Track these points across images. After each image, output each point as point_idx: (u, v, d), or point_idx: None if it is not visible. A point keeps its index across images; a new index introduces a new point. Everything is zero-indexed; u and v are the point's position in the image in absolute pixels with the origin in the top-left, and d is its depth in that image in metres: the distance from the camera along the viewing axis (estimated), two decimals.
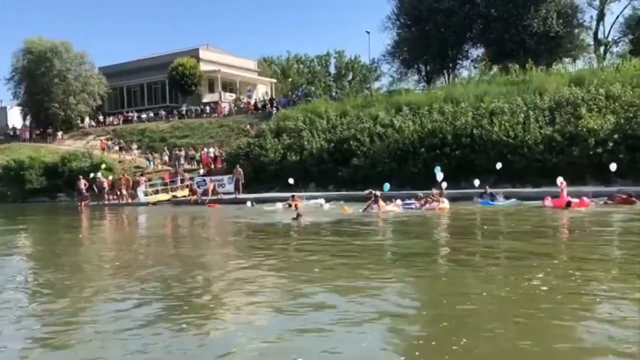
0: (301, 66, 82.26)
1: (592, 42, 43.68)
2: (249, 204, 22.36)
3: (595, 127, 20.54)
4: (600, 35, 44.31)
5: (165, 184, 28.50)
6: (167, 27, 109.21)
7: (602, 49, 43.90)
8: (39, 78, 42.83)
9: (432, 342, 4.50)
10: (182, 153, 33.82)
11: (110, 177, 28.77)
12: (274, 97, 50.20)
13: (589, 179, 20.61)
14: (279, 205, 19.99)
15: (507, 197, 18.77)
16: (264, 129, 30.69)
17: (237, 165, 27.02)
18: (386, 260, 8.74)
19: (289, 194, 22.28)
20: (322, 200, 21.07)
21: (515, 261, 8.00)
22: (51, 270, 8.64)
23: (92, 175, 28.24)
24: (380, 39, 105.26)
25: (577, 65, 35.71)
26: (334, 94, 35.25)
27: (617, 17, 42.91)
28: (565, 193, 16.39)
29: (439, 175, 20.27)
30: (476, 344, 4.39)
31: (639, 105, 20.68)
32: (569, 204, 15.01)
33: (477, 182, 20.21)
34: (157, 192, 28.01)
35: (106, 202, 27.64)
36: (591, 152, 20.25)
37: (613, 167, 19.12)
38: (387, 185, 19.83)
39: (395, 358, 4.15)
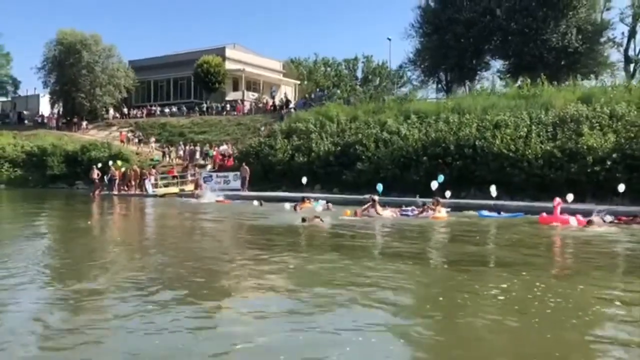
0: (328, 69, 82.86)
1: (622, 59, 43.28)
2: (256, 202, 22.44)
3: (595, 145, 20.58)
4: (631, 53, 43.93)
5: (175, 177, 29.36)
6: (199, 25, 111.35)
7: (632, 66, 43.42)
8: (67, 68, 44.44)
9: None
10: (197, 148, 34.70)
11: (123, 169, 29.72)
12: (296, 98, 51.07)
13: (588, 197, 20.69)
14: (287, 205, 20.33)
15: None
16: (275, 129, 31.36)
17: (244, 163, 27.70)
18: (370, 260, 9.13)
19: (295, 194, 22.88)
20: (329, 203, 21.46)
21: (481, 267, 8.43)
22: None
23: (99, 165, 29.18)
24: (402, 46, 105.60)
25: (602, 82, 35.41)
26: (351, 99, 35.44)
27: None
28: (558, 211, 16.39)
29: (434, 185, 20.56)
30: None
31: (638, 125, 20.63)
32: (590, 222, 14.21)
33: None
34: (167, 185, 28.88)
35: (116, 193, 28.61)
36: (589, 170, 20.28)
37: (621, 188, 18.83)
38: (380, 186, 20.26)
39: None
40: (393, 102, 31.51)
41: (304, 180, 25.43)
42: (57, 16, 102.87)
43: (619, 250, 11.12)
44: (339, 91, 65.80)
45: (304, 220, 14.39)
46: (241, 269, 8.20)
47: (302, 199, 21.33)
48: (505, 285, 6.94)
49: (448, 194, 21.27)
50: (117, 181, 28.86)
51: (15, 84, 54.77)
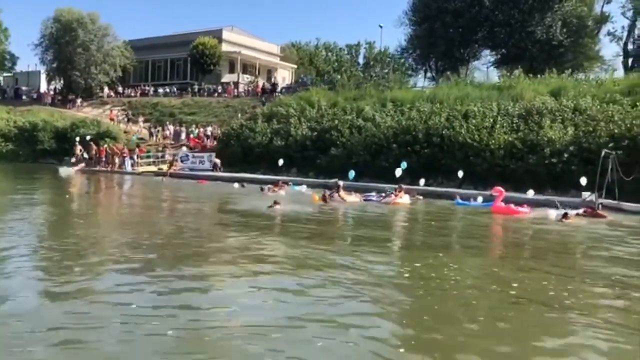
0: (329, 54, 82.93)
1: (621, 53, 43.18)
2: (236, 185, 22.88)
3: (554, 137, 21.09)
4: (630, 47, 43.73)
5: (156, 157, 30.16)
6: (200, 6, 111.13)
7: (630, 60, 43.40)
8: (64, 46, 45.09)
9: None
10: (183, 129, 35.41)
11: (106, 146, 30.54)
12: (292, 82, 51.58)
13: (548, 188, 21.25)
14: (235, 185, 20.99)
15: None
16: (257, 112, 31.98)
17: (214, 154, 28.67)
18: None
19: (272, 177, 23.73)
20: (304, 187, 22.16)
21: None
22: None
23: (78, 139, 29.92)
24: (395, 34, 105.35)
25: (587, 76, 35.52)
26: (336, 85, 35.90)
27: None
28: (500, 201, 16.90)
29: (398, 172, 21.21)
30: None
31: (599, 120, 21.08)
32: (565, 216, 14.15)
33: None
34: (149, 164, 29.67)
35: (96, 169, 29.46)
36: (547, 162, 20.82)
37: (583, 181, 19.29)
38: (352, 173, 20.97)
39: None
40: (374, 89, 31.93)
41: (281, 162, 26.27)
42: None
43: (542, 238, 11.67)
44: (339, 76, 66.13)
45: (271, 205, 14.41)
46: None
47: (277, 183, 22.14)
48: (418, 264, 7.79)
49: (422, 181, 21.97)
50: (99, 157, 29.63)
51: (13, 59, 55.38)
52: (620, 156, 19.77)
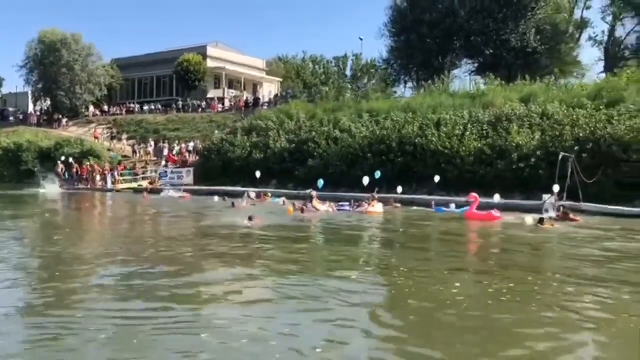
0: (316, 67, 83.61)
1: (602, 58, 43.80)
2: (217, 198, 23.05)
3: (522, 143, 21.53)
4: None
5: (136, 174, 30.52)
6: (188, 24, 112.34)
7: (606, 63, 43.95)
8: (48, 67, 45.60)
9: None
10: (166, 145, 35.79)
11: (87, 164, 30.90)
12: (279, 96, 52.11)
13: (516, 193, 21.67)
14: (216, 198, 21.36)
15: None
16: (237, 126, 32.41)
17: (192, 169, 29.17)
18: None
19: (252, 190, 24.16)
20: (283, 199, 22.53)
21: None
22: None
23: (63, 159, 30.31)
24: (377, 46, 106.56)
25: (563, 82, 36.20)
26: (315, 98, 36.41)
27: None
28: (475, 207, 17.23)
29: (365, 181, 21.63)
30: None
31: (565, 125, 21.54)
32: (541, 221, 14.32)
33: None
34: (131, 180, 30.02)
35: (78, 187, 29.80)
36: (514, 167, 21.25)
37: (556, 188, 19.59)
38: (321, 182, 21.37)
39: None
40: (352, 101, 32.43)
41: (258, 174, 26.65)
42: (42, 15, 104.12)
43: (525, 244, 11.85)
44: (326, 89, 66.67)
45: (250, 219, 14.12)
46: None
47: (257, 194, 22.57)
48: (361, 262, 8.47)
49: (400, 189, 22.35)
50: (83, 175, 30.00)
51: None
52: (585, 159, 20.30)
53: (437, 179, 22.35)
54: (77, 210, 21.14)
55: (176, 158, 32.94)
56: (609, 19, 43.05)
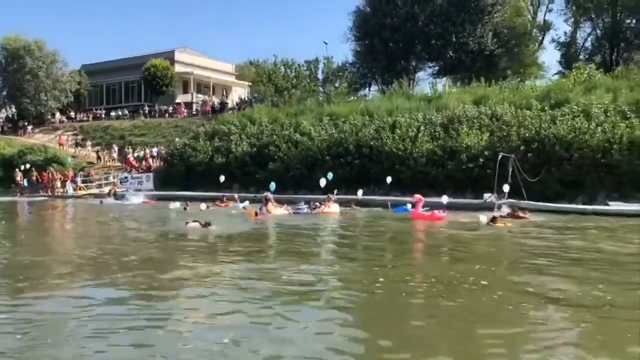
0: (288, 71, 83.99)
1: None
2: (178, 205, 21.86)
3: (471, 144, 22.25)
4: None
5: (92, 181, 30.68)
6: (159, 29, 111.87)
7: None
8: (12, 74, 45.26)
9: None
10: (130, 151, 35.84)
11: (49, 171, 30.92)
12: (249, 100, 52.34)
13: (467, 192, 22.38)
14: (172, 205, 21.58)
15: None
16: (199, 131, 32.66)
17: (152, 175, 29.35)
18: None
19: (215, 194, 24.40)
20: (247, 203, 22.75)
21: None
22: None
23: (23, 167, 30.30)
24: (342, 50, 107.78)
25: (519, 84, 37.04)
26: (286, 101, 36.79)
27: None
28: (420, 207, 17.72)
29: (322, 182, 22.12)
30: None
31: (513, 126, 22.32)
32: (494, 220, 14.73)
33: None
34: (89, 187, 30.13)
35: (39, 194, 29.81)
36: (464, 167, 21.95)
37: (506, 188, 20.14)
38: (273, 185, 21.80)
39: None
40: (315, 104, 32.93)
41: (222, 179, 26.94)
42: (7, 22, 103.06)
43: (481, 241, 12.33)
44: (298, 92, 67.00)
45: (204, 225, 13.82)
46: None
47: (222, 198, 22.91)
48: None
49: (360, 192, 22.79)
50: (43, 183, 30.03)
51: None
52: (531, 158, 21.13)
53: (389, 180, 22.96)
54: (34, 217, 21.22)
55: (136, 164, 33.03)
56: (571, 21, 44.38)
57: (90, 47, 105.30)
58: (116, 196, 27.01)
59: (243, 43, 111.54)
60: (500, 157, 18.69)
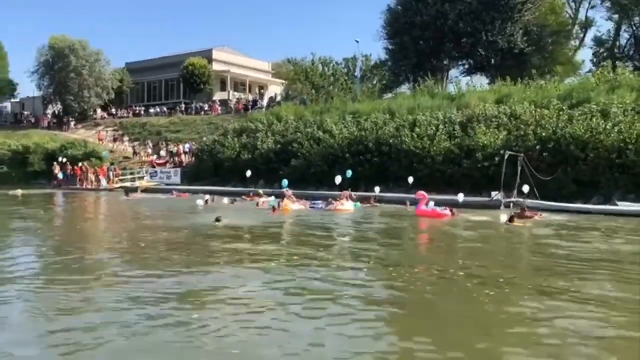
0: (325, 68, 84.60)
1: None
2: (200, 202, 21.77)
3: (487, 142, 22.33)
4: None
5: (127, 174, 32.10)
6: (202, 27, 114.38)
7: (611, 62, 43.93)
8: (57, 72, 47.54)
9: None
10: (163, 146, 37.21)
11: (80, 165, 32.61)
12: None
13: (484, 190, 22.47)
14: (225, 199, 22.63)
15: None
16: (228, 128, 33.66)
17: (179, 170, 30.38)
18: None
19: (242, 189, 25.40)
20: (272, 198, 23.52)
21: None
22: None
23: (60, 159, 31.96)
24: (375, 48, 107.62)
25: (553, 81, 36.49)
26: (306, 100, 37.46)
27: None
28: (423, 205, 17.93)
29: (338, 179, 22.63)
30: None
31: (530, 125, 22.27)
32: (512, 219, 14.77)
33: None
34: (124, 180, 31.56)
35: (72, 187, 31.48)
36: (479, 165, 22.05)
37: (526, 188, 19.78)
38: (285, 182, 22.49)
39: None
40: (340, 102, 33.41)
41: (248, 174, 27.79)
42: (53, 22, 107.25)
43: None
44: (335, 89, 67.47)
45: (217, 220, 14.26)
46: None
47: (250, 193, 23.91)
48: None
49: (377, 189, 23.18)
50: (78, 176, 31.68)
51: (13, 86, 58.01)
52: (547, 157, 21.09)
53: (410, 179, 23.05)
54: (68, 207, 22.57)
55: (160, 161, 34.36)
56: (616, 17, 43.23)
57: (136, 46, 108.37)
58: (144, 190, 28.28)
59: (279, 42, 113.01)
60: (506, 155, 18.75)
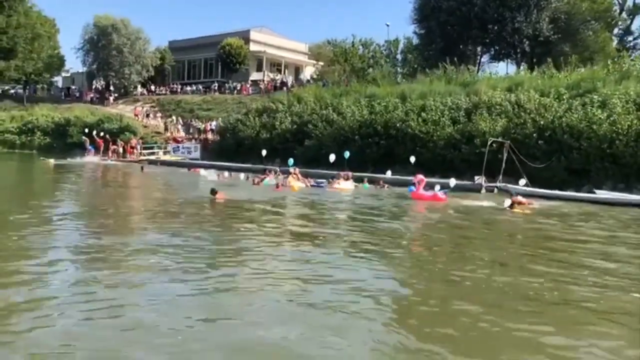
0: (365, 50, 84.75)
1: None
2: (204, 172, 24.67)
3: (486, 129, 22.85)
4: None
5: (158, 147, 34.06)
6: (244, 8, 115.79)
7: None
8: (101, 50, 50.04)
9: None
10: (193, 123, 39.00)
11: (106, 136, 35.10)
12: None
13: (482, 176, 23.05)
14: (242, 175, 24.12)
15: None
16: (251, 108, 35.03)
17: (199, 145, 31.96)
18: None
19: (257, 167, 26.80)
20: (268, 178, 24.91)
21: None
22: None
23: (94, 132, 34.28)
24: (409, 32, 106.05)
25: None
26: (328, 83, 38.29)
27: None
28: (421, 188, 18.61)
29: (332, 157, 23.65)
30: None
31: (530, 113, 22.64)
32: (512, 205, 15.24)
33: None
34: (150, 154, 33.59)
35: (101, 158, 33.83)
36: (477, 151, 22.63)
37: (522, 182, 19.93)
38: (291, 161, 23.69)
39: None
40: (359, 85, 34.17)
41: (264, 152, 29.10)
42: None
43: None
44: (375, 72, 67.88)
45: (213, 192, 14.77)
46: None
47: (265, 170, 25.22)
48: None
49: (389, 172, 24.09)
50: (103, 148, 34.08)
51: (62, 62, 61.12)
52: (542, 145, 21.51)
53: (412, 159, 23.88)
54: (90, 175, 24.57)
55: (179, 139, 36.20)
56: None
57: (179, 26, 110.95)
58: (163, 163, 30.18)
59: (318, 24, 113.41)
60: (490, 141, 19.32)
